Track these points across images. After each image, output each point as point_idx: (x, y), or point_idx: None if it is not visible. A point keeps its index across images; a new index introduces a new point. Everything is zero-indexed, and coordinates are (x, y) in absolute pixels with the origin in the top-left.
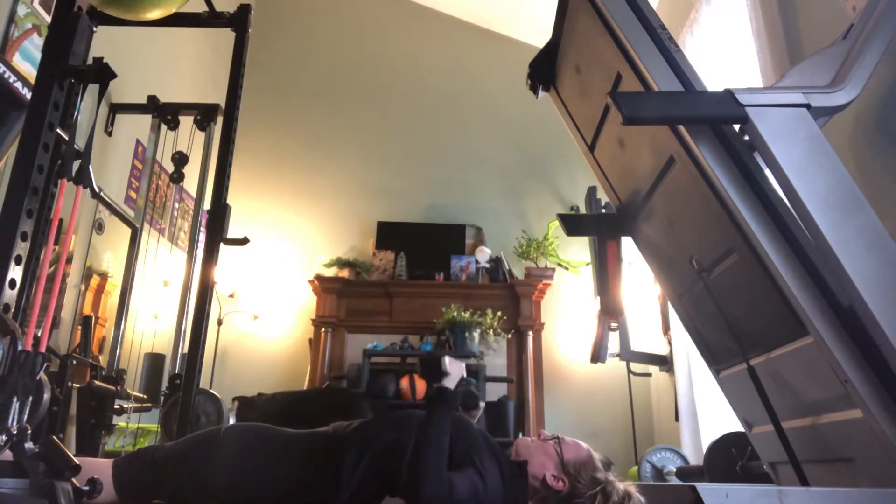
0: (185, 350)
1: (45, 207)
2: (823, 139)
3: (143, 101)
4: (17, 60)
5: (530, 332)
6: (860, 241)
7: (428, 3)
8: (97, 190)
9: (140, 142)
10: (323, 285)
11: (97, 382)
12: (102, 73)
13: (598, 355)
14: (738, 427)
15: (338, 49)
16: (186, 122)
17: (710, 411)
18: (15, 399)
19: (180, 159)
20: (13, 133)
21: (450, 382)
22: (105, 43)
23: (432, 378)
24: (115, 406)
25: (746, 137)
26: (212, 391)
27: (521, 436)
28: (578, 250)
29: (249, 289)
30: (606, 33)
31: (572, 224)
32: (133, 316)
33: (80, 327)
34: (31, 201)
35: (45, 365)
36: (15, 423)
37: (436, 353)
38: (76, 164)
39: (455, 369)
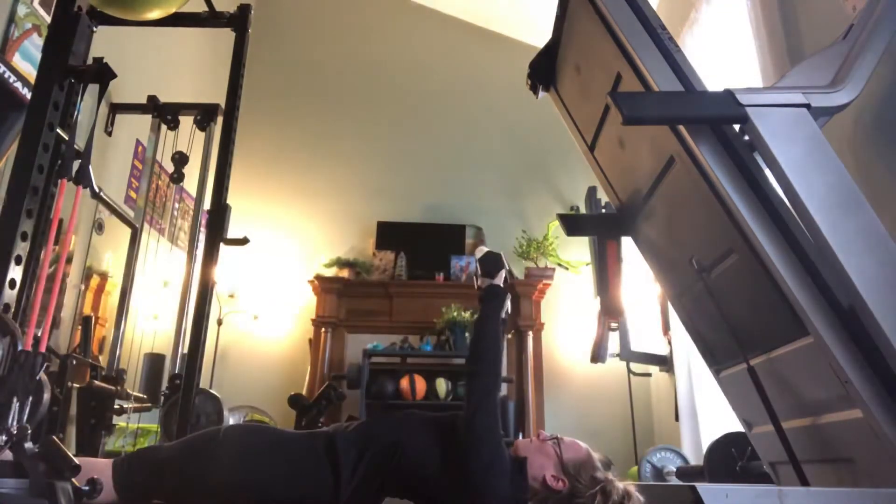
0: (185, 350)
1: (45, 207)
2: (823, 139)
3: (143, 101)
4: (17, 60)
5: (530, 332)
6: (860, 241)
7: (428, 3)
8: (97, 190)
9: (140, 142)
10: (323, 285)
11: (97, 382)
12: (102, 73)
13: (598, 355)
14: (738, 427)
15: (338, 49)
16: (186, 122)
17: (710, 411)
18: (15, 399)
19: (180, 159)
20: (13, 133)
21: (500, 279)
22: (105, 43)
23: (488, 272)
24: (115, 406)
25: (746, 137)
26: (212, 391)
27: (521, 436)
28: (578, 250)
29: (249, 289)
30: (606, 33)
31: (572, 224)
32: (133, 316)
33: (80, 327)
34: (31, 201)
35: (45, 365)
36: (15, 423)
37: (493, 251)
38: (76, 164)
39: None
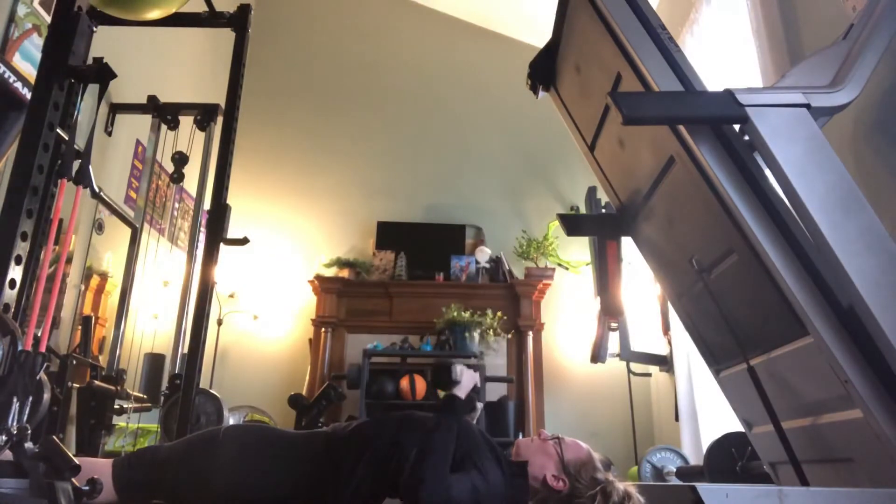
0: (185, 350)
1: (45, 207)
2: (823, 139)
3: (143, 101)
4: (17, 60)
5: (530, 332)
6: (860, 241)
7: (428, 3)
8: (97, 190)
9: (140, 142)
10: (323, 285)
11: (97, 382)
12: (102, 73)
13: (598, 355)
14: (738, 427)
15: (338, 49)
16: (186, 122)
17: (710, 411)
18: (15, 399)
19: (180, 159)
20: (13, 133)
21: (460, 391)
22: (105, 43)
23: (442, 385)
24: (115, 406)
25: (746, 137)
26: (211, 391)
27: (521, 436)
28: (578, 250)
29: (249, 289)
30: (606, 33)
31: (572, 224)
32: (133, 316)
33: (80, 327)
34: (31, 201)
35: (45, 365)
36: (15, 423)
37: (446, 361)
38: (76, 164)
39: (467, 378)
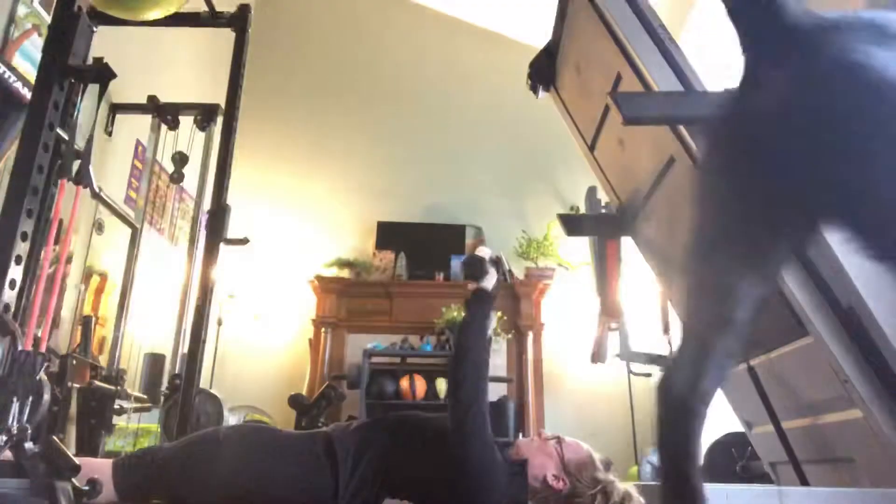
0: (185, 350)
1: (45, 207)
2: None
3: (143, 101)
4: (17, 60)
5: (530, 332)
6: None
7: (427, 3)
8: (97, 190)
9: (140, 142)
10: (323, 285)
11: (97, 382)
12: (102, 73)
13: (598, 355)
14: (738, 427)
15: (338, 49)
16: (186, 122)
17: (710, 411)
18: (15, 399)
19: (180, 159)
20: (13, 133)
21: (488, 283)
22: (105, 43)
23: (472, 276)
24: (115, 406)
25: None
26: (211, 391)
27: (521, 436)
28: (578, 250)
29: (249, 289)
30: (606, 33)
31: (572, 224)
32: (133, 316)
33: (80, 327)
34: (31, 201)
35: (45, 365)
36: (15, 423)
37: (476, 254)
38: (76, 164)
39: (493, 272)
